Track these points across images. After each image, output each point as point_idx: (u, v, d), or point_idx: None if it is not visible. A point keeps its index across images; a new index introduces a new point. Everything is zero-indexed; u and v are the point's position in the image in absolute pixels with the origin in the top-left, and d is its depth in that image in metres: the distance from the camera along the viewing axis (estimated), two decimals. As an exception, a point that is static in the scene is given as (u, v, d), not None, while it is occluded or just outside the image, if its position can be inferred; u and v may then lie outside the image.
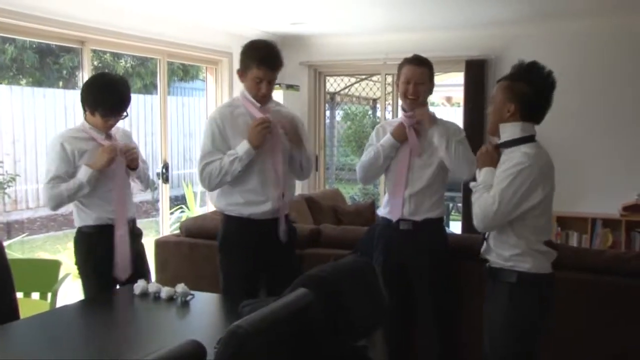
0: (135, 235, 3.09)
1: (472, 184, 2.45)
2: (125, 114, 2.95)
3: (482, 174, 2.42)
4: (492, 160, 2.41)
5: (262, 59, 2.78)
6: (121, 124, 3.06)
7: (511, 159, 2.33)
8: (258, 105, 2.85)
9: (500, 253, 2.38)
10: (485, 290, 2.51)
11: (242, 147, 2.77)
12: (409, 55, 3.03)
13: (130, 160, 2.98)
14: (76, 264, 3.00)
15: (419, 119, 2.94)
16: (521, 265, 2.33)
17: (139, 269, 3.01)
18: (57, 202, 2.87)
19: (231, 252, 2.89)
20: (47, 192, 2.86)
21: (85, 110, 2.95)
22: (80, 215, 2.96)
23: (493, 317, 2.41)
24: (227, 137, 2.82)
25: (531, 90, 2.34)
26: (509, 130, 2.37)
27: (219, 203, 2.94)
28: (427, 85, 2.98)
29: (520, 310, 2.34)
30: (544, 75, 2.37)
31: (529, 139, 2.37)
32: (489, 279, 2.46)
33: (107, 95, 2.87)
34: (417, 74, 2.94)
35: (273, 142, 2.83)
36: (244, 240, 2.86)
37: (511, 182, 2.27)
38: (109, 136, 2.97)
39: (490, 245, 2.43)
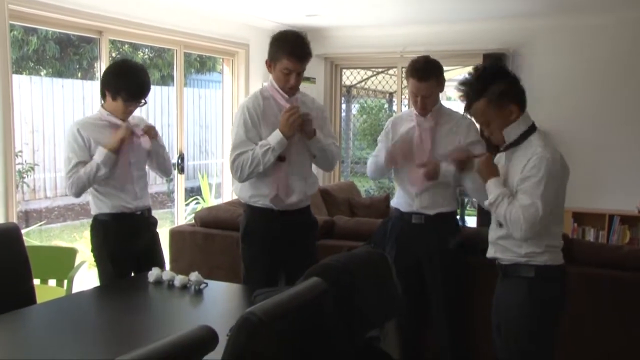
0: (150, 223, 3.11)
1: (487, 203, 2.35)
2: (144, 100, 2.96)
3: (492, 188, 2.33)
4: (495, 170, 2.36)
5: (292, 50, 2.75)
6: (137, 113, 3.08)
7: (527, 154, 2.27)
8: (286, 96, 2.83)
9: (515, 250, 2.33)
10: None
11: (275, 137, 2.75)
12: (426, 50, 3.00)
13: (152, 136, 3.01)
14: (92, 251, 3.03)
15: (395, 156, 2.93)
16: (538, 259, 2.30)
17: (153, 258, 3.03)
18: (79, 188, 2.90)
19: (254, 243, 2.89)
20: (69, 179, 2.89)
21: (105, 96, 2.97)
22: (96, 203, 2.98)
23: (509, 312, 2.36)
24: (259, 126, 2.81)
25: (506, 82, 2.29)
26: (513, 130, 2.32)
27: (243, 194, 2.93)
28: (435, 93, 2.95)
29: (539, 304, 2.31)
30: (496, 66, 2.37)
31: (533, 127, 2.33)
32: (500, 276, 2.42)
33: (131, 80, 2.89)
34: (423, 89, 2.89)
35: (297, 135, 2.81)
36: (267, 231, 2.86)
37: (547, 184, 2.20)
38: (128, 122, 2.99)
39: (502, 243, 2.37)
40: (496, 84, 2.27)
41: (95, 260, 3.03)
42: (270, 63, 2.83)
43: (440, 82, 2.95)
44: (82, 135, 2.89)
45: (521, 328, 2.34)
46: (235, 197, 5.68)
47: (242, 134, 2.81)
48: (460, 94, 2.36)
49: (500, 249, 2.39)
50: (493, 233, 2.43)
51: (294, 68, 2.77)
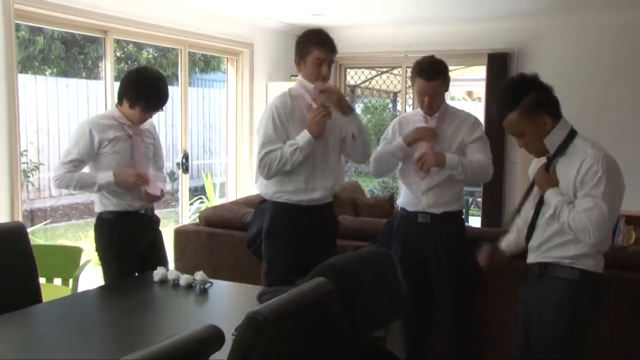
0: (154, 222, 3.11)
1: (548, 214, 2.27)
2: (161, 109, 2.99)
3: (551, 198, 2.26)
4: (552, 180, 2.29)
5: (322, 40, 2.80)
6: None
7: (577, 159, 2.22)
8: (312, 85, 2.81)
9: (560, 253, 2.28)
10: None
11: (303, 137, 2.75)
12: (430, 49, 3.00)
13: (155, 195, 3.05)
14: (96, 250, 3.03)
15: (421, 137, 2.93)
16: (584, 263, 2.25)
17: (157, 257, 3.03)
18: (65, 185, 2.93)
19: (278, 238, 2.88)
20: (60, 171, 2.89)
21: (121, 101, 2.97)
22: (101, 201, 2.99)
23: (544, 313, 2.30)
24: (287, 125, 2.81)
25: (537, 93, 2.27)
26: (555, 137, 2.28)
27: (267, 190, 2.92)
28: (442, 95, 2.96)
29: (578, 308, 2.26)
30: (528, 76, 2.32)
31: (573, 132, 2.30)
32: (537, 275, 2.35)
33: (151, 91, 2.91)
34: (430, 88, 2.90)
35: (326, 131, 2.82)
36: (290, 227, 2.86)
37: (606, 182, 2.16)
38: (138, 127, 3.01)
39: (547, 246, 2.31)
40: (529, 94, 2.25)
41: (99, 259, 3.04)
42: (300, 60, 2.85)
43: (446, 82, 2.96)
44: (94, 136, 2.89)
45: (555, 330, 2.29)
46: (239, 196, 5.70)
47: (271, 132, 2.81)
48: (496, 109, 2.34)
49: (543, 252, 2.32)
50: (536, 239, 2.35)
51: (325, 57, 2.80)
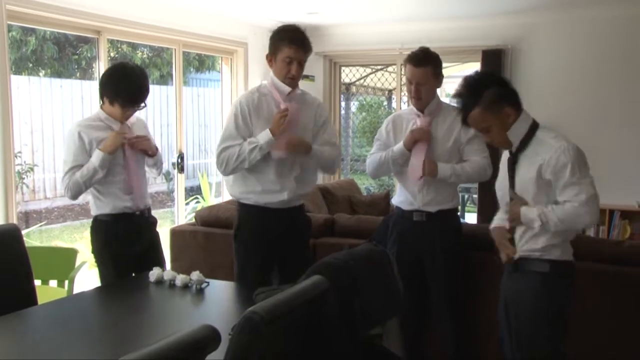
0: (150, 223, 3.11)
1: (538, 225, 2.27)
2: (143, 104, 2.96)
3: (528, 215, 2.28)
4: (518, 205, 2.32)
5: (293, 38, 2.78)
6: (137, 113, 3.07)
7: (539, 153, 2.26)
8: (287, 90, 2.83)
9: (532, 245, 2.32)
10: (499, 280, 2.48)
11: (264, 136, 2.75)
12: (425, 44, 3.00)
13: (143, 149, 2.99)
14: (93, 252, 3.02)
15: (418, 139, 2.91)
16: (552, 253, 2.29)
17: (154, 258, 3.03)
18: (75, 191, 2.89)
19: (247, 241, 2.89)
20: (65, 182, 2.89)
21: (103, 100, 2.96)
22: (96, 204, 2.98)
23: (521, 307, 2.34)
24: (250, 122, 2.81)
25: (496, 87, 2.31)
26: (517, 130, 2.32)
27: (235, 191, 2.94)
28: (431, 84, 2.92)
29: (553, 298, 2.30)
30: (483, 73, 2.43)
31: (535, 125, 2.34)
32: (511, 271, 2.39)
33: (128, 86, 2.88)
34: (418, 75, 2.88)
35: (293, 132, 2.81)
36: (259, 229, 2.86)
37: (578, 166, 2.22)
38: (128, 127, 2.99)
39: (519, 239, 2.35)
40: (487, 90, 2.29)
41: (95, 261, 3.03)
42: (271, 57, 2.84)
43: (436, 73, 2.93)
44: (83, 139, 2.88)
45: (534, 323, 2.33)
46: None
47: (232, 128, 2.81)
48: (456, 106, 2.39)
49: (521, 250, 2.35)
50: (518, 232, 2.38)
51: (295, 56, 2.78)
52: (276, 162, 2.83)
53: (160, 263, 3.05)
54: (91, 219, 3.03)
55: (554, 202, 2.26)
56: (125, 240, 2.95)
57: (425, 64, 2.87)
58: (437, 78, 2.94)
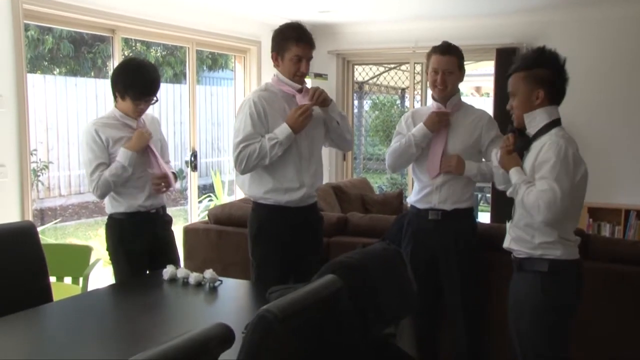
0: (165, 221, 3.12)
1: (509, 191, 2.40)
2: (155, 98, 2.96)
3: (514, 176, 2.37)
4: (517, 160, 2.40)
5: (301, 36, 2.78)
6: (150, 111, 3.08)
7: (545, 146, 2.29)
8: (298, 86, 2.82)
9: (528, 240, 2.34)
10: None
11: (283, 131, 2.75)
12: (439, 43, 2.99)
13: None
14: (107, 249, 3.04)
15: (447, 171, 2.90)
16: (552, 253, 2.30)
17: (169, 256, 3.04)
18: (105, 190, 2.89)
19: (266, 241, 2.88)
20: (94, 182, 2.87)
21: (115, 97, 2.97)
22: (111, 203, 2.99)
23: (523, 308, 2.36)
24: (266, 119, 2.81)
25: (552, 72, 2.34)
26: (538, 117, 2.35)
27: (253, 191, 2.92)
28: (456, 74, 2.92)
29: (553, 300, 2.30)
30: (556, 56, 2.38)
31: (556, 122, 2.35)
32: (515, 271, 2.42)
33: (137, 78, 2.87)
34: (445, 62, 2.88)
35: (310, 127, 2.81)
36: (279, 229, 2.86)
37: (560, 167, 2.23)
38: (142, 122, 2.99)
39: (518, 234, 2.39)
40: (543, 68, 2.33)
41: (110, 259, 3.04)
42: (277, 55, 2.83)
43: (461, 65, 2.94)
44: (100, 136, 2.88)
45: (534, 323, 2.33)
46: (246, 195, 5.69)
47: (249, 126, 2.80)
48: (514, 63, 2.45)
49: (515, 237, 2.40)
50: (510, 223, 2.45)
51: (304, 54, 2.79)
52: (294, 159, 2.83)
53: (175, 262, 3.06)
54: (105, 217, 3.04)
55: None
56: (139, 239, 2.96)
57: (451, 52, 2.90)
58: (461, 70, 2.95)
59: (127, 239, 2.95)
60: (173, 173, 3.10)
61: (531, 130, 2.37)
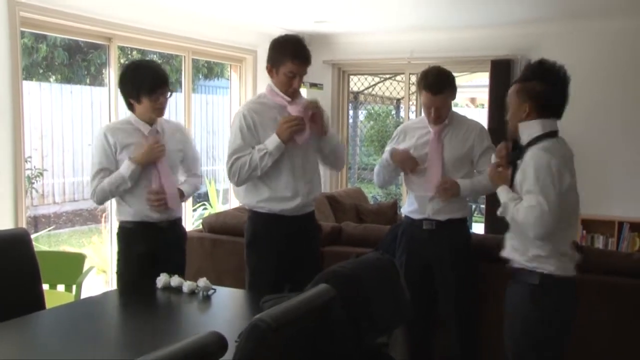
0: (178, 237, 3.04)
1: (499, 211, 2.40)
2: (169, 92, 2.90)
3: (501, 195, 2.40)
4: (505, 178, 2.42)
5: (297, 53, 2.77)
6: (170, 117, 3.02)
7: (531, 157, 2.32)
8: (288, 98, 2.84)
9: (522, 251, 2.35)
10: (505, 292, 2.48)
11: (272, 142, 2.76)
12: (434, 54, 3.01)
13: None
14: (118, 253, 2.99)
15: (398, 160, 2.97)
16: (545, 267, 2.30)
17: (180, 265, 2.99)
18: (101, 198, 2.89)
19: (261, 249, 2.89)
20: (92, 187, 2.86)
21: (131, 105, 2.89)
22: (119, 210, 2.95)
23: (514, 319, 2.38)
24: (256, 131, 2.82)
25: (544, 87, 2.35)
26: (528, 129, 2.38)
27: (248, 200, 2.92)
28: (449, 105, 2.98)
29: (543, 313, 2.31)
30: (556, 70, 2.39)
31: (550, 134, 2.37)
32: (510, 280, 2.44)
33: (144, 72, 2.84)
34: (437, 101, 2.91)
35: (304, 137, 2.83)
36: (273, 237, 2.86)
37: (544, 179, 2.25)
38: (156, 131, 2.91)
39: (514, 245, 2.41)
40: (539, 83, 2.35)
41: (118, 267, 2.98)
42: (272, 68, 2.84)
43: (453, 92, 2.97)
44: (109, 141, 2.84)
45: (523, 337, 2.34)
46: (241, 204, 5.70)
47: (240, 140, 2.81)
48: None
49: (512, 247, 2.42)
50: (508, 233, 2.46)
51: (298, 71, 2.79)
52: (288, 168, 2.84)
53: (183, 271, 2.97)
54: (99, 224, 3.02)
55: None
56: (148, 249, 2.88)
57: (442, 90, 2.90)
58: (453, 94, 2.99)
59: (134, 248, 2.89)
60: (180, 189, 3.00)
61: (524, 140, 2.39)
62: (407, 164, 2.98)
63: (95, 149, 2.89)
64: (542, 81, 2.35)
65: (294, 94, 2.85)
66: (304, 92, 3.08)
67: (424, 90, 2.91)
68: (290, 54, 2.76)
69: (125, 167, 2.82)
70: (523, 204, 2.27)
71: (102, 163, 2.85)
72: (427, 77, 2.92)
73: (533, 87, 2.35)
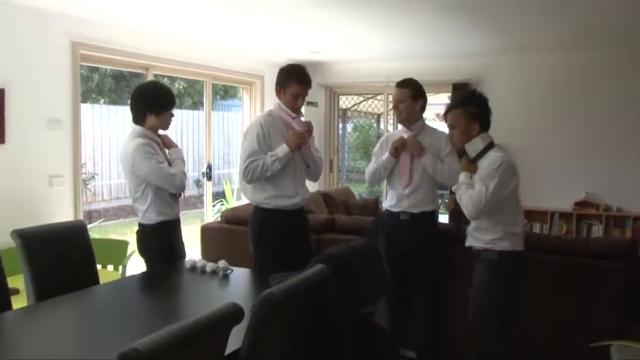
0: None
1: (454, 187, 2.48)
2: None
3: (462, 176, 2.46)
4: (470, 168, 2.46)
5: (301, 77, 2.79)
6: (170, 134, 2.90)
7: (486, 162, 2.37)
8: (294, 115, 2.84)
9: (482, 238, 2.41)
10: (468, 268, 2.51)
11: (282, 150, 2.76)
12: (405, 77, 3.03)
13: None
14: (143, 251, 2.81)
15: (410, 152, 2.93)
16: (501, 245, 2.36)
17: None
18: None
19: (267, 239, 2.86)
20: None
21: (144, 118, 2.67)
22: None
23: (478, 289, 2.43)
24: (268, 140, 2.81)
25: (481, 109, 2.44)
26: (476, 144, 2.43)
27: (256, 197, 2.91)
28: (408, 103, 2.93)
29: (500, 282, 2.37)
30: (483, 97, 2.49)
31: (492, 144, 2.44)
32: (475, 260, 2.47)
33: (165, 92, 2.72)
34: (398, 94, 2.93)
35: (304, 149, 2.84)
36: (277, 229, 2.85)
37: (493, 175, 2.31)
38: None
39: (474, 234, 2.45)
40: (475, 106, 2.44)
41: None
42: (280, 89, 2.84)
43: (413, 95, 2.93)
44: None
45: (486, 303, 2.39)
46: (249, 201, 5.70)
47: (255, 145, 2.79)
48: (451, 101, 2.56)
49: (472, 238, 2.47)
50: (469, 227, 2.49)
51: (302, 92, 2.80)
52: (291, 172, 2.84)
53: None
54: (137, 217, 2.80)
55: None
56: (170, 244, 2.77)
57: (404, 85, 2.95)
58: (415, 100, 2.94)
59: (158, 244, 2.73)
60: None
61: (471, 153, 2.44)
62: (415, 147, 2.91)
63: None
64: (478, 105, 2.44)
65: (297, 112, 2.86)
66: (302, 109, 3.07)
67: (395, 87, 2.96)
68: (295, 78, 2.78)
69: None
70: (473, 190, 2.33)
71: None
72: (398, 81, 2.98)
73: (474, 111, 2.43)
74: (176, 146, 2.85)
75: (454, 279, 2.98)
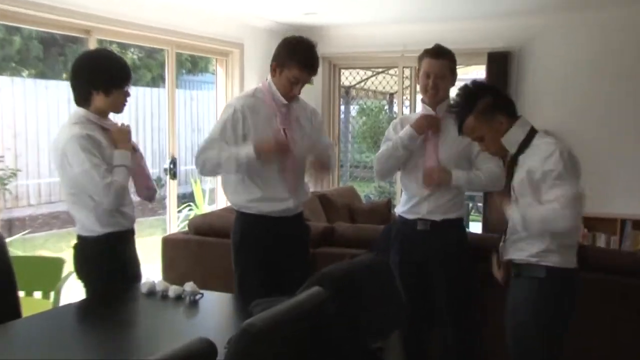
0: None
1: (521, 226, 2.40)
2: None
3: (514, 212, 2.42)
4: (505, 199, 2.48)
5: (306, 62, 2.79)
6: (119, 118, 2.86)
7: (535, 156, 2.36)
8: (284, 102, 2.85)
9: (528, 249, 2.41)
10: (503, 292, 2.51)
11: (245, 152, 2.74)
12: (429, 46, 3.02)
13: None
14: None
15: (437, 181, 2.93)
16: (549, 260, 2.37)
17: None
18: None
19: (248, 250, 2.89)
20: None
21: (88, 98, 2.62)
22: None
23: (519, 313, 2.43)
24: (241, 129, 2.81)
25: (492, 94, 2.47)
26: (514, 136, 2.44)
27: (237, 199, 2.92)
28: (448, 79, 2.96)
29: (548, 306, 2.38)
30: (479, 84, 2.53)
31: (532, 130, 2.44)
32: (514, 277, 2.48)
33: (116, 63, 2.67)
34: (437, 66, 2.92)
35: (293, 144, 2.85)
36: (261, 238, 2.87)
37: (564, 172, 2.29)
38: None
39: (518, 244, 2.46)
40: (481, 99, 2.44)
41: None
42: (276, 67, 2.83)
43: (452, 69, 2.97)
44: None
45: (529, 327, 2.40)
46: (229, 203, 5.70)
47: (218, 132, 2.82)
48: (453, 116, 2.57)
49: (514, 249, 2.47)
50: (509, 236, 2.51)
51: (303, 79, 2.81)
52: (279, 170, 2.85)
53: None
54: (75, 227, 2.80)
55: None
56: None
57: (444, 56, 2.94)
58: (453, 74, 2.99)
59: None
60: None
61: (512, 149, 2.46)
62: (433, 122, 2.93)
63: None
64: (485, 94, 2.46)
65: (290, 100, 2.86)
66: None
67: (425, 56, 2.94)
68: (299, 61, 2.78)
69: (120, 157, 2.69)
70: (550, 197, 2.30)
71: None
72: (429, 48, 2.97)
73: (487, 102, 2.44)
74: (127, 145, 2.66)
75: (489, 303, 2.98)
